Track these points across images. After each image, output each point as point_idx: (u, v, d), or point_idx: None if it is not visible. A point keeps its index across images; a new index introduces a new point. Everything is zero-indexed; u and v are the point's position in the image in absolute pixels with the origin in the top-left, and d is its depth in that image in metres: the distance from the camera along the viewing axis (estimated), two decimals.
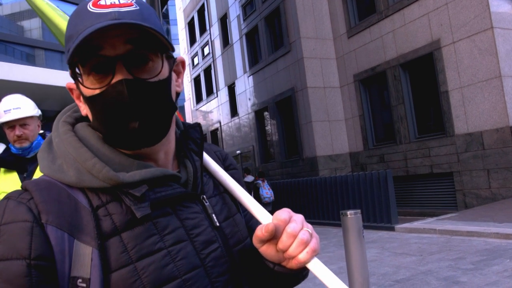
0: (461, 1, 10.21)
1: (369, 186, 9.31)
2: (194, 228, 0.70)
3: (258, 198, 10.68)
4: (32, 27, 25.98)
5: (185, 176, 0.75)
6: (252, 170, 16.40)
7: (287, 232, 0.65)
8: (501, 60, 9.50)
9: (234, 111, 20.36)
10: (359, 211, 4.30)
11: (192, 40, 26.39)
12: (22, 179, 2.18)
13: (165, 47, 0.69)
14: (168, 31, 49.75)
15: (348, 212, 4.25)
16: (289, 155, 15.84)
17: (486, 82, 9.79)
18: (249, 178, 12.47)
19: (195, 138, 0.80)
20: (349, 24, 13.94)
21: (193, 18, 25.61)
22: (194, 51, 25.85)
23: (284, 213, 0.67)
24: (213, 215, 0.74)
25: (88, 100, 0.66)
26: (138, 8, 0.65)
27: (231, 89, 20.58)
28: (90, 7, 0.64)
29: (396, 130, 12.29)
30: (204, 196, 0.75)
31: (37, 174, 2.14)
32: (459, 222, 7.82)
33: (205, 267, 0.68)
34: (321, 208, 10.97)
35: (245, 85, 18.84)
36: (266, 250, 0.68)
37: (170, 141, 0.75)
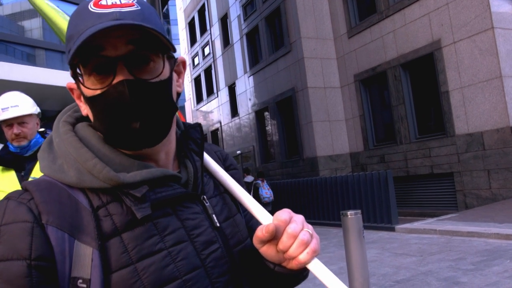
0: (462, 1, 10.21)
1: (370, 186, 9.31)
2: (194, 229, 0.69)
3: (257, 198, 10.69)
4: (32, 27, 25.99)
5: (186, 177, 0.75)
6: (253, 170, 16.40)
7: (288, 232, 0.64)
8: (501, 60, 9.49)
9: (234, 111, 20.36)
10: (359, 211, 4.30)
11: (193, 40, 26.40)
12: (20, 178, 2.15)
13: (166, 47, 0.69)
14: (168, 31, 49.73)
15: (349, 213, 4.25)
16: (290, 155, 15.84)
17: (487, 82, 9.78)
18: (249, 179, 12.48)
19: (195, 138, 0.80)
20: (349, 24, 13.94)
21: (193, 18, 25.62)
22: (195, 51, 25.86)
23: (284, 213, 0.67)
24: (214, 215, 0.74)
25: (89, 101, 0.66)
26: (139, 8, 0.65)
27: (232, 89, 20.58)
28: (91, 7, 0.64)
29: (396, 130, 12.29)
30: (205, 197, 0.75)
31: (35, 173, 2.13)
32: (460, 222, 7.81)
33: (205, 268, 0.68)
34: (321, 209, 10.97)
35: (245, 85, 18.85)
36: (267, 251, 0.68)
37: (171, 141, 0.75)
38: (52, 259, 0.58)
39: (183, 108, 34.70)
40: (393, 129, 12.50)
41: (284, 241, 0.65)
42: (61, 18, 1.32)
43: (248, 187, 10.92)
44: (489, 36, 9.63)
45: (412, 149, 11.85)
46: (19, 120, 2.16)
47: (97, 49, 0.63)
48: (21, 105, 2.17)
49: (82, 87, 0.66)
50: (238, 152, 19.35)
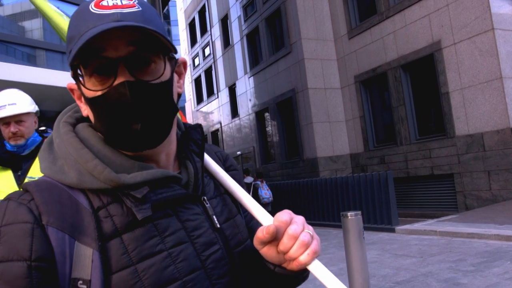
0: (462, 2, 10.21)
1: (370, 187, 9.31)
2: (194, 230, 0.69)
3: (257, 198, 10.73)
4: (33, 27, 25.99)
5: (186, 177, 0.74)
6: (253, 171, 16.40)
7: (288, 234, 0.64)
8: (502, 61, 9.50)
9: (234, 112, 20.37)
10: (359, 212, 4.30)
11: (193, 41, 26.43)
12: (16, 177, 2.10)
13: (167, 48, 0.68)
14: (169, 32, 49.76)
15: (349, 214, 4.25)
16: (290, 156, 15.84)
17: (487, 84, 9.79)
18: (249, 179, 12.50)
19: (196, 139, 0.80)
20: (350, 25, 13.95)
21: (194, 19, 25.65)
22: (195, 52, 25.88)
23: (285, 214, 0.67)
24: (214, 216, 0.74)
25: (90, 102, 0.66)
26: (140, 9, 0.65)
27: (232, 90, 20.59)
28: (92, 7, 0.64)
29: (396, 132, 12.29)
30: (205, 198, 0.75)
31: (32, 172, 2.10)
32: (460, 223, 7.81)
33: (205, 269, 0.68)
34: (321, 209, 10.97)
35: (245, 86, 18.85)
36: (267, 252, 0.68)
37: (172, 142, 0.74)
38: (53, 260, 0.58)
39: (183, 109, 34.74)
40: (393, 130, 12.50)
41: (284, 242, 0.65)
42: (62, 18, 1.32)
43: (247, 187, 10.93)
44: (489, 37, 9.63)
45: (412, 150, 11.85)
46: (17, 119, 2.11)
47: (98, 50, 0.63)
48: (18, 103, 2.12)
49: (83, 88, 0.66)
50: (238, 153, 19.35)
